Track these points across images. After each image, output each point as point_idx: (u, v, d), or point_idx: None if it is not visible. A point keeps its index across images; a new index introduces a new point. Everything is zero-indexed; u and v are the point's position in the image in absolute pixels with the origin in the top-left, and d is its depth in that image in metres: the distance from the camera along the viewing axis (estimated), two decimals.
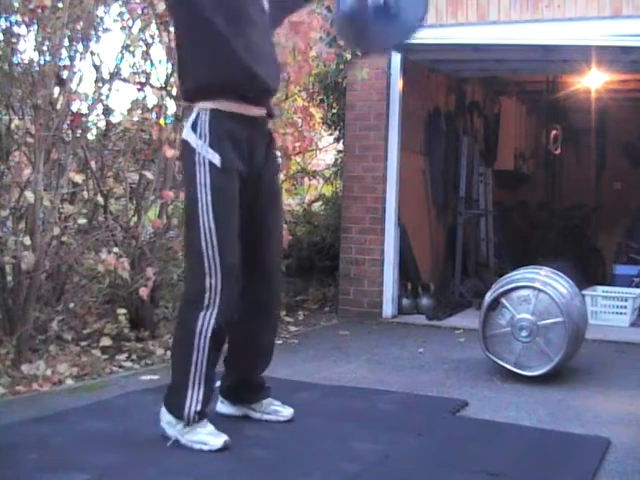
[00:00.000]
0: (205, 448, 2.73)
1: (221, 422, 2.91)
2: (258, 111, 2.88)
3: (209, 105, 2.78)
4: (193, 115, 2.83)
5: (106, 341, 4.36)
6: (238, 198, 2.80)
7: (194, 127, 2.79)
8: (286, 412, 3.12)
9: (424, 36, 5.53)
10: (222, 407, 3.15)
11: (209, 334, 2.72)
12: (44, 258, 3.97)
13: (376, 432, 3.05)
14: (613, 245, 8.15)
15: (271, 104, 3.01)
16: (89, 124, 4.45)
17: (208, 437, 2.75)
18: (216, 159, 2.74)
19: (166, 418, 2.80)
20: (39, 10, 3.87)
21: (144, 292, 4.24)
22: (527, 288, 3.99)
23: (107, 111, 4.62)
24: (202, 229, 2.73)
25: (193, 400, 2.74)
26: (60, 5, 3.94)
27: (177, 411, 2.77)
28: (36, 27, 4.02)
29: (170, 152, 4.33)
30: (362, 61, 5.88)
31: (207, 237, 2.72)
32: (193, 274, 2.81)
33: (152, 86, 4.64)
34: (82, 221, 4.30)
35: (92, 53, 4.37)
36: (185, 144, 2.83)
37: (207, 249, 2.72)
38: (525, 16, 5.46)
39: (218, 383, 3.14)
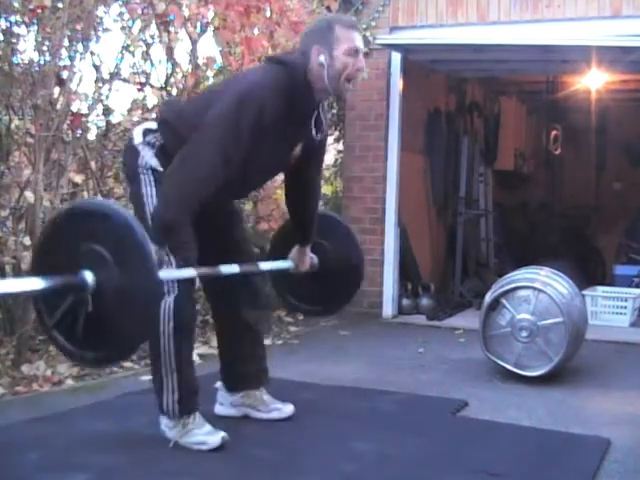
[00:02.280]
0: (204, 448, 2.72)
1: (221, 422, 2.91)
2: None
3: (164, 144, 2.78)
4: (153, 125, 2.83)
5: None
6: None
7: (145, 133, 2.80)
8: (286, 409, 3.13)
9: (424, 36, 5.63)
10: (221, 409, 3.14)
11: (171, 320, 2.68)
12: None
13: (376, 432, 3.05)
14: (613, 245, 8.15)
15: None
16: (89, 124, 4.45)
17: (205, 437, 2.75)
18: (159, 167, 2.73)
19: (164, 421, 2.80)
20: (39, 10, 3.87)
21: None
22: (527, 288, 3.99)
23: (107, 111, 4.61)
24: (149, 220, 2.69)
25: (169, 390, 2.72)
26: (60, 5, 3.94)
27: (160, 406, 2.76)
28: (36, 27, 4.02)
29: None
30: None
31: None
32: None
33: (152, 86, 4.65)
34: None
35: (92, 53, 4.37)
36: (130, 143, 2.83)
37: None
38: (525, 16, 5.47)
39: (218, 384, 3.15)
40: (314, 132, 2.87)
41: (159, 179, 2.72)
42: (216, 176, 2.62)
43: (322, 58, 2.73)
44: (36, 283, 2.23)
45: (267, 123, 2.66)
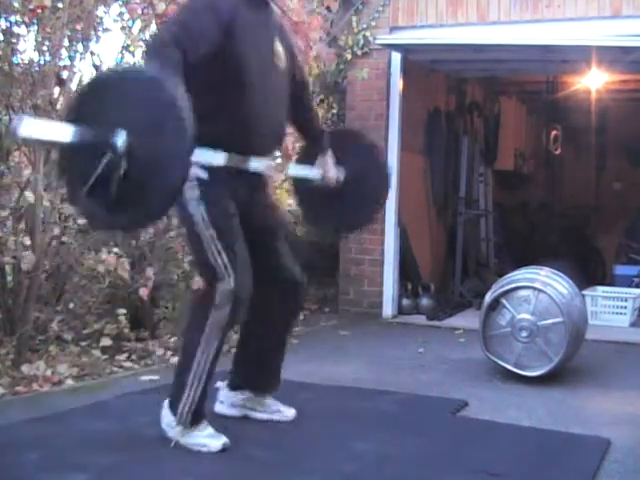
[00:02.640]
0: (204, 450, 2.72)
1: (221, 422, 2.91)
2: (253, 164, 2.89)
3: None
4: None
5: (106, 341, 4.36)
6: (232, 199, 2.80)
7: None
8: (288, 413, 3.13)
9: (424, 36, 5.63)
10: (222, 408, 3.14)
11: (219, 333, 2.71)
12: (44, 258, 3.97)
13: (376, 432, 3.05)
14: (613, 245, 8.15)
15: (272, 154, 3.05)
16: None
17: (207, 439, 2.75)
18: (203, 173, 2.74)
19: (166, 420, 2.80)
20: (39, 10, 3.87)
21: (144, 292, 4.25)
22: (527, 288, 3.99)
23: None
24: (205, 241, 2.72)
25: (189, 400, 2.73)
26: (60, 5, 3.94)
27: (174, 407, 2.76)
28: (36, 27, 4.02)
29: None
30: (362, 61, 5.89)
31: (211, 246, 2.71)
32: (204, 276, 2.82)
33: None
34: (82, 221, 4.30)
35: (92, 53, 4.37)
36: None
37: (214, 257, 2.71)
38: (525, 16, 5.46)
39: (218, 384, 3.14)
40: (276, 45, 2.90)
41: (203, 183, 2.72)
42: (181, 43, 2.57)
43: None
44: (69, 131, 2.20)
45: (238, 19, 2.71)
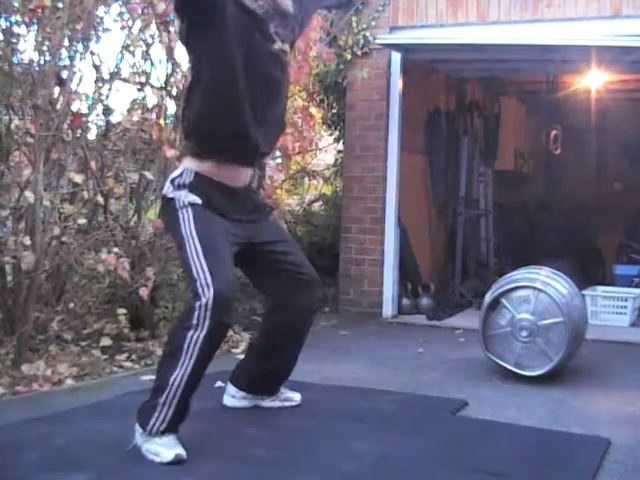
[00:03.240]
0: (156, 460, 2.64)
1: (221, 422, 2.91)
2: (242, 178, 2.94)
3: (194, 167, 2.84)
4: (177, 172, 2.90)
5: (106, 341, 4.36)
6: (226, 227, 2.83)
7: (173, 182, 2.87)
8: (296, 397, 3.25)
9: (424, 36, 5.63)
10: (233, 401, 3.19)
11: (195, 354, 2.66)
12: (44, 258, 3.97)
13: (376, 432, 3.05)
14: (613, 245, 8.15)
15: (262, 161, 3.06)
16: (89, 124, 4.45)
17: (160, 448, 2.66)
18: (197, 200, 2.80)
19: (137, 425, 2.76)
20: (39, 10, 3.87)
21: (144, 292, 4.24)
22: (527, 288, 3.99)
23: (107, 111, 4.62)
24: (192, 261, 2.73)
25: (160, 419, 2.67)
26: (60, 5, 3.94)
27: (143, 422, 2.71)
28: (36, 27, 4.02)
29: (170, 152, 4.33)
30: (362, 61, 5.89)
31: (197, 266, 2.71)
32: (191, 293, 2.81)
33: (152, 86, 4.64)
34: (82, 221, 4.30)
35: (92, 53, 4.37)
36: (165, 199, 2.91)
37: (199, 274, 2.70)
38: (525, 16, 5.47)
39: (218, 384, 3.15)
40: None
41: (197, 215, 2.78)
42: None
43: None
44: None
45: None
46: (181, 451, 2.65)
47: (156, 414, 2.68)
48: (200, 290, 2.67)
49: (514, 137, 8.37)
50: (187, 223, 2.78)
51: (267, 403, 3.21)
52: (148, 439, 2.70)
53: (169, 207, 2.88)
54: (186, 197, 2.81)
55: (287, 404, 3.22)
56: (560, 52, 5.56)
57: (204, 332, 2.65)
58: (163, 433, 2.69)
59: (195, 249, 2.74)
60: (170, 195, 2.86)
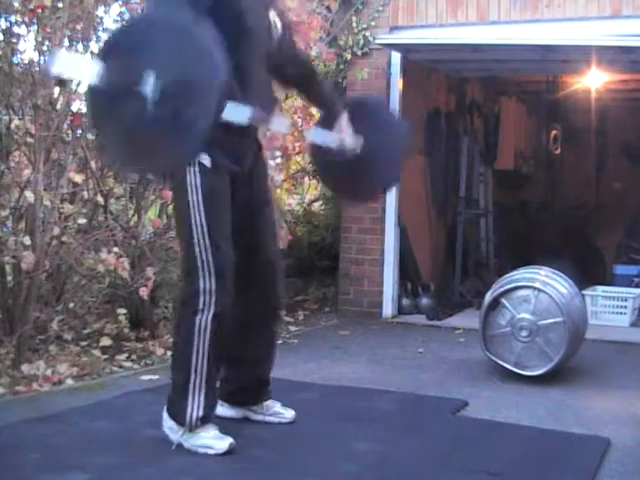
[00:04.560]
0: (210, 452, 2.70)
1: (220, 422, 2.90)
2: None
3: None
4: None
5: (106, 341, 4.36)
6: (230, 198, 2.79)
7: None
8: (288, 414, 3.11)
9: (424, 36, 5.63)
10: (221, 409, 3.13)
11: (207, 337, 2.69)
12: (44, 258, 3.97)
13: (376, 432, 3.05)
14: (613, 245, 8.15)
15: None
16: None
17: (213, 441, 2.72)
18: (206, 160, 2.71)
19: (168, 424, 2.78)
20: (39, 10, 3.87)
21: (144, 292, 4.24)
22: (527, 288, 3.99)
23: None
24: (195, 231, 2.70)
25: (194, 406, 2.70)
26: (60, 5, 3.94)
27: (180, 418, 2.74)
28: (36, 27, 4.02)
29: None
30: (362, 61, 5.89)
31: (200, 240, 2.69)
32: (188, 277, 2.78)
33: None
34: (82, 221, 4.30)
35: (92, 53, 4.36)
36: None
37: (200, 252, 2.69)
38: (525, 16, 5.46)
39: (218, 384, 3.14)
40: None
41: (206, 175, 2.70)
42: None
43: None
44: (102, 71, 2.23)
45: None
46: (231, 440, 2.71)
47: (189, 405, 2.70)
48: (201, 273, 2.67)
49: (514, 137, 8.36)
50: (194, 188, 2.70)
51: (254, 416, 3.10)
52: (192, 435, 2.72)
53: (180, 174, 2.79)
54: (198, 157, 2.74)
55: (272, 419, 3.08)
56: (560, 52, 5.56)
57: (211, 313, 2.67)
58: (203, 423, 2.71)
59: (201, 224, 2.69)
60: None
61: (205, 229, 2.70)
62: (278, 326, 3.27)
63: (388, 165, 3.38)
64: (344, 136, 3.17)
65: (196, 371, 2.70)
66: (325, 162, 3.41)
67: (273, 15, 2.93)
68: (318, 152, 3.37)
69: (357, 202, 3.54)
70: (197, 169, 2.71)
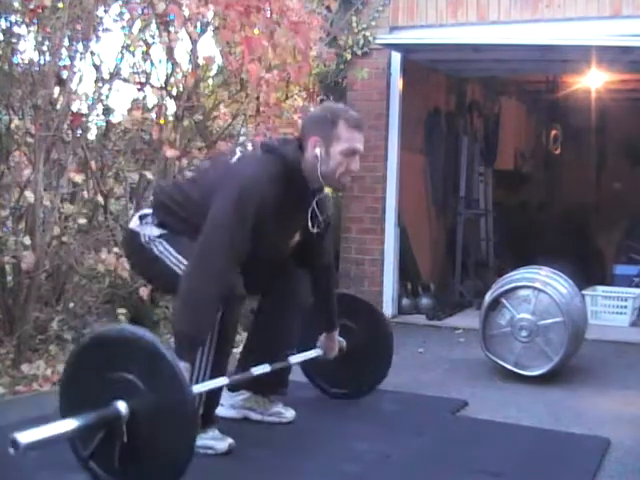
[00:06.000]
0: (210, 452, 2.70)
1: (220, 423, 2.90)
2: None
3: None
4: (148, 211, 2.88)
5: None
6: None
7: (141, 218, 2.85)
8: (288, 414, 3.11)
9: (424, 36, 5.63)
10: (221, 410, 3.12)
11: (213, 343, 2.67)
12: (44, 258, 3.96)
13: (376, 432, 3.05)
14: (613, 245, 8.15)
15: None
16: (89, 124, 4.45)
17: (213, 442, 2.72)
18: (164, 231, 2.78)
19: None
20: (39, 10, 3.87)
21: (144, 292, 4.24)
22: (527, 288, 3.99)
23: (107, 111, 4.61)
24: (173, 266, 2.72)
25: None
26: (60, 5, 3.93)
27: None
28: (36, 27, 4.01)
29: (170, 152, 4.33)
30: (362, 61, 5.89)
31: (180, 265, 2.71)
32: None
33: (152, 86, 4.64)
34: (82, 221, 4.30)
35: (92, 53, 4.36)
36: (129, 232, 2.91)
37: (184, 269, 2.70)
38: (525, 16, 5.47)
39: None
40: (310, 224, 2.84)
41: (168, 238, 2.76)
42: (227, 274, 2.62)
43: (317, 151, 2.71)
44: (70, 424, 2.19)
45: (267, 209, 2.66)
46: (231, 440, 2.72)
47: None
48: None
49: (514, 137, 8.36)
50: (161, 247, 2.76)
51: (253, 415, 3.10)
52: None
53: (133, 238, 2.86)
54: (151, 231, 2.79)
55: (272, 419, 3.09)
56: (560, 52, 5.56)
57: (219, 314, 2.65)
58: (204, 423, 2.70)
59: (175, 258, 2.73)
60: (136, 229, 2.84)
61: (176, 254, 2.73)
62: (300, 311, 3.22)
63: (374, 365, 3.47)
64: (330, 349, 3.22)
65: (199, 369, 2.67)
66: (314, 369, 3.48)
67: (296, 236, 2.93)
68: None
69: (360, 395, 3.64)
70: (161, 241, 2.78)
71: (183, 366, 2.35)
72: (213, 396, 2.78)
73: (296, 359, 3.14)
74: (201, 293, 2.54)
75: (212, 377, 2.71)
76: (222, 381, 2.70)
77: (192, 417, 2.27)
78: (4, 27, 4.02)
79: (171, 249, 2.76)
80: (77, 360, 2.40)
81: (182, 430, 2.22)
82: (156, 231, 2.80)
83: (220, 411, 3.10)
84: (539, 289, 3.95)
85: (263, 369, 2.88)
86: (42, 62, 4.04)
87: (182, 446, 2.23)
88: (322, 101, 6.39)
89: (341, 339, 3.29)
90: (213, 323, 2.62)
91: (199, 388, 2.61)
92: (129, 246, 2.97)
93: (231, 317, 2.71)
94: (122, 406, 2.20)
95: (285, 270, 3.03)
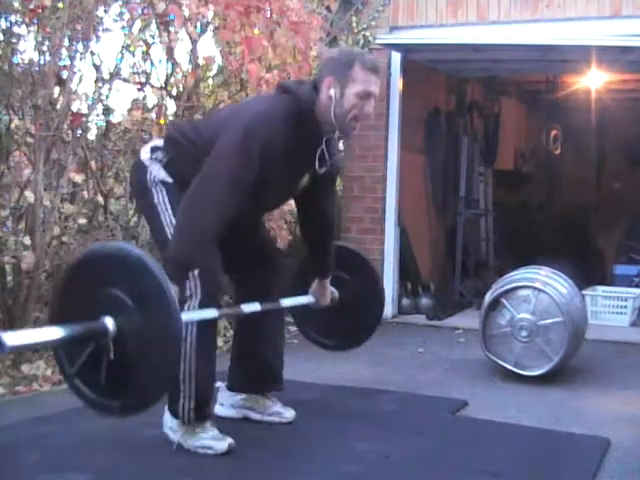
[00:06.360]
0: (210, 452, 2.70)
1: (220, 422, 2.90)
2: None
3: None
4: (159, 142, 2.88)
5: None
6: None
7: (153, 150, 2.84)
8: (288, 414, 3.11)
9: (424, 36, 5.63)
10: (221, 409, 3.13)
11: (194, 326, 2.67)
12: (44, 258, 3.97)
13: (376, 432, 3.05)
14: (613, 245, 8.15)
15: None
16: (89, 124, 4.45)
17: (212, 441, 2.72)
18: (168, 178, 2.77)
19: (168, 424, 2.78)
20: (39, 10, 3.87)
21: None
22: (527, 288, 3.99)
23: (107, 111, 4.61)
24: (168, 231, 2.72)
25: (186, 397, 2.69)
26: (60, 5, 3.93)
27: (174, 410, 2.74)
28: (36, 27, 4.02)
29: None
30: None
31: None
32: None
33: (152, 86, 4.64)
34: (82, 221, 4.30)
35: (92, 53, 4.36)
36: (139, 162, 2.87)
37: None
38: (525, 16, 5.47)
39: (219, 383, 3.14)
40: (317, 166, 2.82)
41: (170, 190, 2.75)
42: (228, 208, 2.61)
43: (332, 92, 2.70)
44: (56, 332, 2.19)
45: (274, 152, 2.64)
46: (231, 440, 2.72)
47: (181, 394, 2.69)
48: None
49: (514, 137, 8.37)
50: (160, 197, 2.75)
51: (253, 415, 3.10)
52: (191, 435, 2.71)
53: (140, 171, 2.83)
54: (158, 172, 2.77)
55: (272, 419, 3.09)
56: (560, 52, 5.56)
57: (198, 300, 2.65)
58: (198, 417, 2.70)
59: (170, 220, 2.72)
60: (145, 162, 2.81)
61: (171, 216, 2.73)
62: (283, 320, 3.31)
63: (364, 316, 3.47)
64: (322, 296, 3.22)
65: (185, 359, 2.66)
66: (305, 318, 3.50)
67: (304, 179, 2.90)
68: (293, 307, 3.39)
69: (349, 347, 3.66)
70: (162, 189, 2.77)
71: (172, 289, 2.34)
72: (206, 389, 2.76)
73: (288, 302, 3.14)
74: (195, 223, 2.56)
75: (198, 375, 2.71)
76: (212, 313, 2.67)
77: (177, 334, 2.25)
78: (4, 27, 4.02)
79: (169, 207, 2.73)
80: (70, 275, 2.42)
81: (167, 348, 2.22)
82: (162, 173, 2.77)
83: (220, 411, 3.12)
84: (539, 289, 3.95)
85: (254, 307, 2.87)
86: (42, 62, 4.04)
87: (165, 365, 2.24)
88: None
89: (334, 289, 3.28)
90: (207, 254, 2.60)
91: (189, 316, 2.60)
92: (136, 178, 2.91)
93: (211, 304, 2.71)
94: (110, 322, 2.21)
95: (262, 261, 3.03)
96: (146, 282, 2.21)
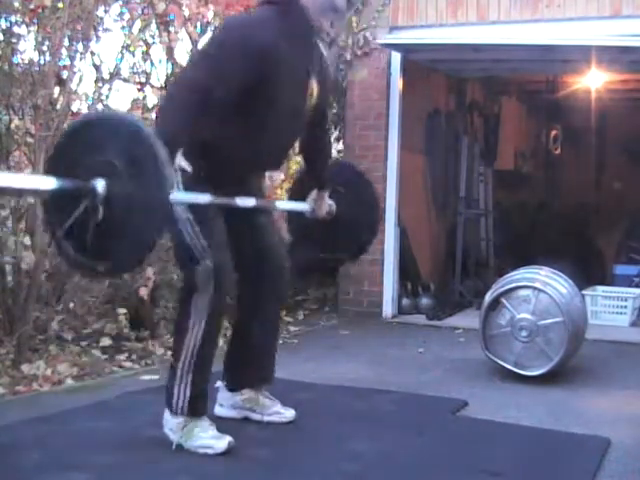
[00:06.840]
0: (210, 452, 2.70)
1: (220, 423, 2.90)
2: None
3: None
4: None
5: (106, 341, 4.36)
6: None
7: None
8: (288, 414, 3.11)
9: (424, 36, 5.63)
10: (222, 410, 3.13)
11: (205, 315, 2.69)
12: (44, 258, 3.97)
13: (376, 432, 3.05)
14: (613, 245, 8.15)
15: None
16: None
17: (212, 441, 2.72)
18: (187, 167, 2.75)
19: (168, 425, 2.78)
20: (39, 10, 3.87)
21: (144, 292, 4.24)
22: (527, 288, 3.99)
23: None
24: (182, 224, 2.71)
25: (182, 386, 2.71)
26: (60, 5, 3.94)
27: (169, 401, 2.75)
28: (36, 27, 4.02)
29: None
30: (362, 61, 5.89)
31: (189, 229, 2.71)
32: (184, 266, 2.81)
33: (152, 86, 4.65)
34: None
35: (92, 53, 4.37)
36: None
37: (192, 239, 2.70)
38: (525, 16, 5.47)
39: (218, 384, 3.14)
40: (312, 66, 2.86)
41: (186, 181, 2.74)
42: (206, 87, 2.60)
43: None
44: (49, 182, 2.21)
45: (273, 55, 2.66)
46: (230, 438, 2.72)
47: (177, 384, 2.71)
48: (198, 254, 2.68)
49: (514, 137, 8.36)
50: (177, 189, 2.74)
51: (254, 416, 3.10)
52: (191, 435, 2.72)
53: None
54: (180, 160, 2.74)
55: (272, 419, 3.08)
56: (560, 52, 5.56)
57: (210, 294, 2.67)
58: (192, 411, 2.71)
59: (185, 217, 2.72)
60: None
61: (191, 219, 2.72)
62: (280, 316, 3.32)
63: (362, 228, 3.45)
64: (320, 206, 3.21)
65: (188, 347, 2.69)
66: (299, 226, 3.46)
67: (313, 83, 2.90)
68: (291, 217, 3.41)
69: (346, 260, 3.65)
70: (178, 178, 2.73)
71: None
72: (201, 383, 2.76)
73: (284, 205, 3.15)
74: (178, 98, 2.62)
75: (197, 368, 2.72)
76: (205, 198, 2.69)
77: (164, 201, 2.25)
78: (4, 27, 4.02)
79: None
80: (67, 140, 2.42)
81: (152, 213, 2.22)
82: (183, 162, 2.74)
83: (220, 411, 3.11)
84: (539, 289, 3.95)
85: (248, 202, 2.88)
86: (42, 62, 4.05)
87: (148, 230, 2.25)
88: None
89: (331, 202, 3.27)
90: (188, 128, 2.62)
91: (180, 196, 2.62)
92: None
93: (221, 300, 2.73)
94: (100, 184, 2.21)
95: (267, 254, 3.02)
96: (139, 148, 2.23)
